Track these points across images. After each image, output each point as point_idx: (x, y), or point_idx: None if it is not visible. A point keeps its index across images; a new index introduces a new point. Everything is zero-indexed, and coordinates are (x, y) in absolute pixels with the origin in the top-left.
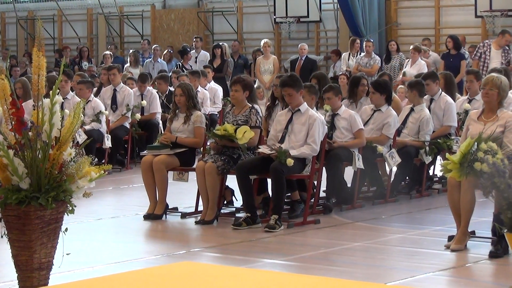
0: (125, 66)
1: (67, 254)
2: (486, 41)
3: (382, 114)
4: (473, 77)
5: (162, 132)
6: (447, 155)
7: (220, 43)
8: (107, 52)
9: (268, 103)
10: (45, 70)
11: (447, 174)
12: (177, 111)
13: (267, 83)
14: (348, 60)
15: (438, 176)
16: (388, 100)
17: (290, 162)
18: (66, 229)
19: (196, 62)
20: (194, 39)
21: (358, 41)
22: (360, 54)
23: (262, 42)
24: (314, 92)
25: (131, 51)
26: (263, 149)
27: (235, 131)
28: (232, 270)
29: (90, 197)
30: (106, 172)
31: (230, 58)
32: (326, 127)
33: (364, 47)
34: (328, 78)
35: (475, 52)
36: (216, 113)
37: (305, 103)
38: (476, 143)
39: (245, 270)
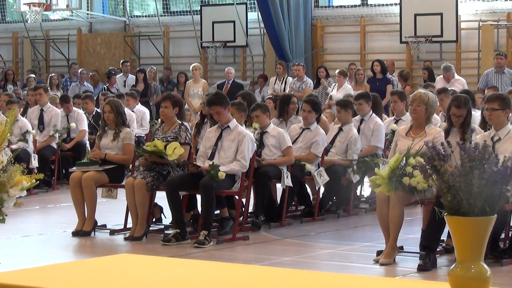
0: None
1: None
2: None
3: (311, 132)
4: (397, 97)
5: (89, 152)
6: (376, 169)
7: (143, 68)
8: (31, 75)
9: (197, 120)
10: None
11: (376, 188)
12: (106, 128)
13: (196, 108)
14: (274, 84)
15: (365, 196)
16: (318, 119)
17: (222, 175)
18: None
19: (124, 85)
20: (122, 64)
21: (279, 66)
22: (286, 78)
23: (191, 66)
24: (243, 109)
25: (51, 75)
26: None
27: (165, 147)
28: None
29: (16, 215)
30: (37, 182)
31: (155, 82)
32: (255, 144)
33: (294, 71)
34: (254, 96)
35: None
36: (143, 135)
37: (235, 119)
38: (404, 158)
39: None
